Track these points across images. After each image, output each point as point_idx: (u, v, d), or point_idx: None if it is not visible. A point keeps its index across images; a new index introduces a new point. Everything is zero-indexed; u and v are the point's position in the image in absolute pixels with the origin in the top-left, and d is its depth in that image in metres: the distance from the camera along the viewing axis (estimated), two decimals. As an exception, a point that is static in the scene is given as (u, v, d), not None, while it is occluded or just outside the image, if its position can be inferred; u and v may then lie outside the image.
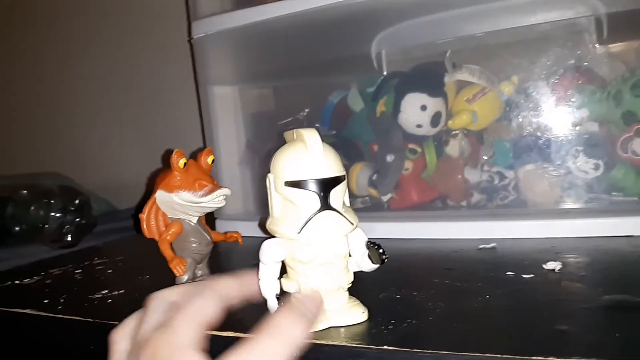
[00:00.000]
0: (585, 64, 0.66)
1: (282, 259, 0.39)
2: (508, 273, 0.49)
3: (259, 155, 0.85)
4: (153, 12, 1.19)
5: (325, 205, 0.37)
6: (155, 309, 0.37)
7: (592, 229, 0.60)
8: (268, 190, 0.40)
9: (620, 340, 0.33)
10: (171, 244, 0.53)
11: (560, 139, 0.66)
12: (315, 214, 0.37)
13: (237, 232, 0.58)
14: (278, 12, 0.71)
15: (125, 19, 1.24)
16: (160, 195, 0.52)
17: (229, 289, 0.36)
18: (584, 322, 0.37)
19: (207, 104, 0.83)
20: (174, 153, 0.51)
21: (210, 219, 0.81)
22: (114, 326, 0.46)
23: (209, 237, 0.54)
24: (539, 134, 0.67)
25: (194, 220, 0.54)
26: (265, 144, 0.85)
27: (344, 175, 0.39)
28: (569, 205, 0.65)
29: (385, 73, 0.75)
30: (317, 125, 0.80)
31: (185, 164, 0.51)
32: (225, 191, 0.52)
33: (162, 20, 1.17)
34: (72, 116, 1.38)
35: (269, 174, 0.40)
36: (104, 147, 1.34)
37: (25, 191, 0.91)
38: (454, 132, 0.71)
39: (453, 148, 0.71)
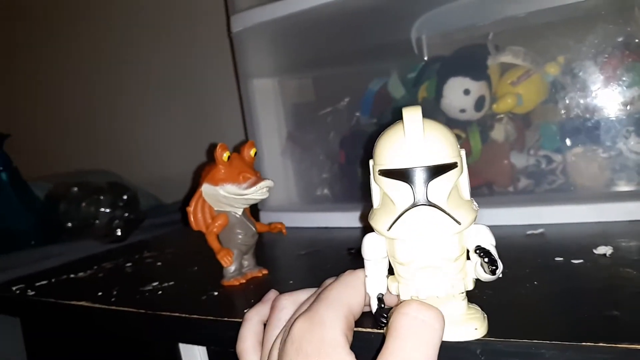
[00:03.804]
0: (636, 40, 0.64)
1: (385, 255, 0.35)
2: (557, 259, 0.48)
3: (300, 146, 0.85)
4: (194, 9, 1.21)
5: (423, 199, 0.32)
6: (286, 307, 0.38)
7: (645, 212, 0.58)
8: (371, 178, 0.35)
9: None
10: (218, 236, 0.54)
11: (610, 119, 0.63)
12: (408, 209, 0.32)
13: (281, 223, 0.58)
14: (316, 1, 0.71)
15: (168, 17, 1.26)
16: (206, 188, 0.53)
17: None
18: (635, 308, 0.36)
19: (247, 97, 0.84)
20: (218, 147, 0.52)
21: (254, 210, 0.82)
22: (165, 317, 0.48)
23: (254, 228, 0.55)
24: (587, 115, 0.65)
25: (239, 212, 0.54)
26: (306, 135, 0.86)
27: (456, 163, 0.32)
28: (620, 188, 0.63)
29: (426, 58, 0.74)
30: (357, 114, 0.80)
31: (229, 157, 0.52)
32: (268, 183, 0.52)
33: (203, 16, 1.19)
34: (119, 114, 1.42)
35: (370, 160, 0.35)
36: (149, 144, 1.36)
37: (76, 188, 0.94)
38: (498, 116, 0.69)
39: (498, 132, 0.69)
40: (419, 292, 0.33)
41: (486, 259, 0.32)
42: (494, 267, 0.32)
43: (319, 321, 0.32)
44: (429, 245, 0.33)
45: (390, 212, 0.33)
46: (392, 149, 0.33)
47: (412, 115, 0.32)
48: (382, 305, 0.35)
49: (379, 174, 0.33)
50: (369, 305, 0.37)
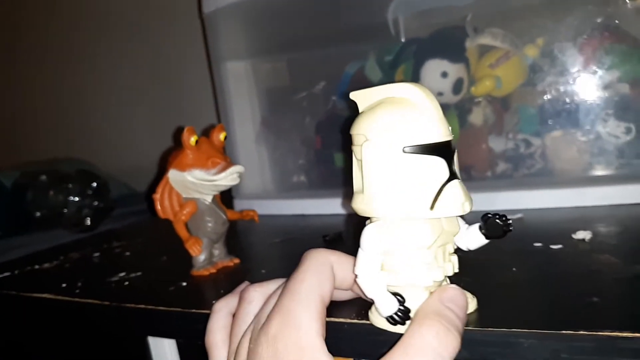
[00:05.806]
0: (615, 21, 0.63)
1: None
2: (536, 244, 0.47)
3: (275, 131, 0.83)
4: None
5: (452, 173, 0.31)
6: (255, 299, 0.36)
7: (624, 196, 0.57)
8: (361, 163, 0.32)
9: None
10: (186, 224, 0.52)
11: (589, 102, 0.63)
12: (445, 184, 0.30)
13: (253, 210, 0.56)
14: (289, -19, 0.69)
15: (137, 0, 1.23)
16: (172, 174, 0.51)
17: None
18: (615, 294, 0.35)
19: (220, 81, 0.81)
20: (185, 130, 0.49)
21: (227, 198, 0.80)
22: (131, 309, 0.46)
23: (224, 216, 0.53)
24: (566, 98, 0.64)
25: (209, 199, 0.52)
26: (281, 120, 0.83)
27: None
28: (599, 172, 0.62)
29: (403, 40, 0.72)
30: (333, 98, 0.78)
31: (197, 141, 0.50)
32: (238, 168, 0.50)
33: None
34: (87, 100, 1.38)
35: (365, 142, 0.31)
36: (120, 130, 1.33)
37: (44, 176, 0.91)
38: (477, 99, 0.68)
39: (477, 116, 0.68)
40: (440, 274, 0.32)
41: (504, 218, 0.33)
42: (510, 227, 0.33)
43: (294, 324, 0.30)
44: (449, 221, 0.32)
45: (418, 191, 0.30)
46: (415, 125, 0.31)
47: (425, 90, 0.31)
48: (404, 307, 0.32)
49: (406, 152, 0.30)
50: (361, 294, 0.35)
